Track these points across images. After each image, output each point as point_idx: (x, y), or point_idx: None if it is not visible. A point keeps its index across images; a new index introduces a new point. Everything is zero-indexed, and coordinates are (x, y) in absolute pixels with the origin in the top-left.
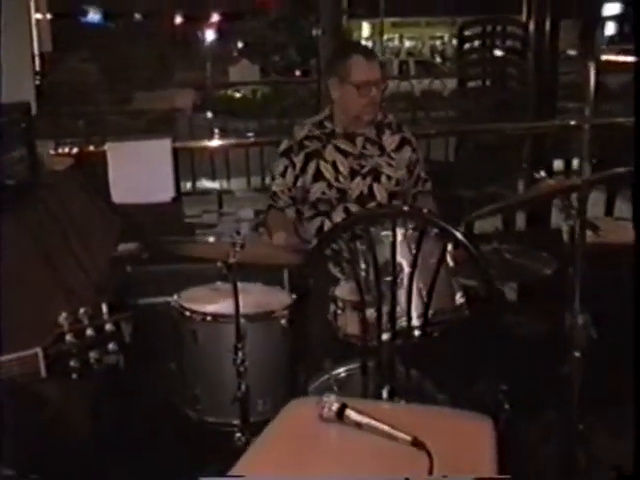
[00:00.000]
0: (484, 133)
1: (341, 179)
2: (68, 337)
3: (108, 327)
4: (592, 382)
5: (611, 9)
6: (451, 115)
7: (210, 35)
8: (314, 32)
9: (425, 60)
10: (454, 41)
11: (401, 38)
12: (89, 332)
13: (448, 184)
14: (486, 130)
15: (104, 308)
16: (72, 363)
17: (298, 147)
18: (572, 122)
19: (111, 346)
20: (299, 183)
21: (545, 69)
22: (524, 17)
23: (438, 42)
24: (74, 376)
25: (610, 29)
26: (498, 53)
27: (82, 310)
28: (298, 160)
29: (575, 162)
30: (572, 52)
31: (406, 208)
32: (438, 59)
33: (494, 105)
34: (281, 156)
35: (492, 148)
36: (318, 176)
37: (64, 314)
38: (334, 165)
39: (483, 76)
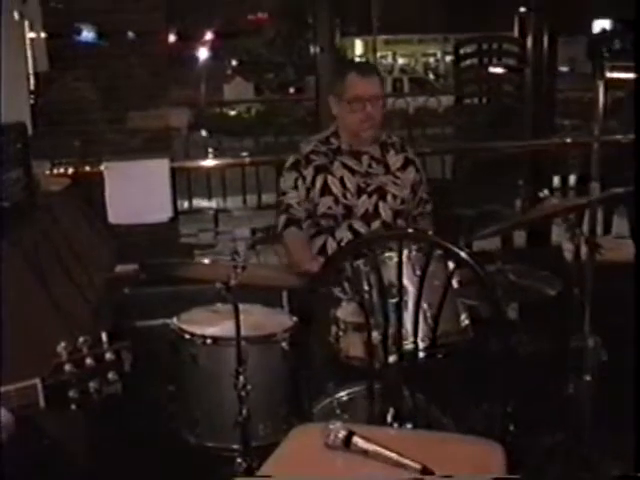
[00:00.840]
0: (482, 151)
1: (348, 196)
2: (67, 367)
3: (108, 356)
4: (601, 405)
5: (599, 25)
6: (447, 132)
7: (204, 53)
8: (312, 50)
9: (419, 77)
10: (447, 58)
11: (394, 55)
12: (89, 361)
13: (445, 202)
14: (484, 148)
15: (104, 337)
16: (71, 394)
17: (306, 161)
18: (577, 140)
19: (111, 376)
20: (310, 196)
21: (543, 86)
22: (516, 33)
23: (431, 59)
24: (73, 407)
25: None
26: (494, 70)
27: (81, 339)
28: (307, 173)
29: (572, 179)
30: (564, 69)
31: (411, 230)
32: (431, 76)
33: (491, 122)
34: (289, 170)
35: (489, 165)
36: (326, 190)
37: (63, 343)
38: (342, 181)
39: (479, 93)
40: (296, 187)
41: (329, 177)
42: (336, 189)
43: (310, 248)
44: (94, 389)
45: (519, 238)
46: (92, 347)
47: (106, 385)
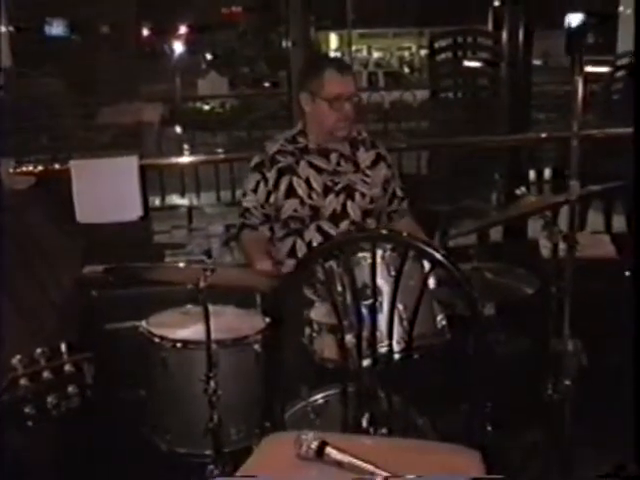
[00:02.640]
0: (457, 146)
1: (314, 196)
2: (22, 381)
3: (67, 368)
4: (582, 409)
5: (572, 19)
6: (423, 126)
7: (178, 47)
8: (284, 44)
9: (394, 71)
10: (422, 52)
11: (369, 49)
12: (46, 375)
13: (421, 198)
14: (460, 143)
15: (63, 347)
16: (27, 410)
17: (270, 162)
18: (553, 134)
19: (71, 389)
20: (272, 199)
21: (518, 80)
22: (490, 27)
23: (406, 53)
24: (30, 424)
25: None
26: (469, 64)
27: (39, 350)
28: (270, 175)
29: (547, 173)
30: (538, 62)
31: (385, 231)
32: (406, 70)
33: (466, 116)
34: (252, 171)
35: (465, 160)
36: (290, 192)
37: (18, 356)
38: (307, 181)
39: (455, 87)
40: (256, 190)
41: (294, 178)
42: (301, 190)
43: (262, 248)
44: (52, 404)
45: (495, 233)
46: (50, 359)
47: (65, 400)
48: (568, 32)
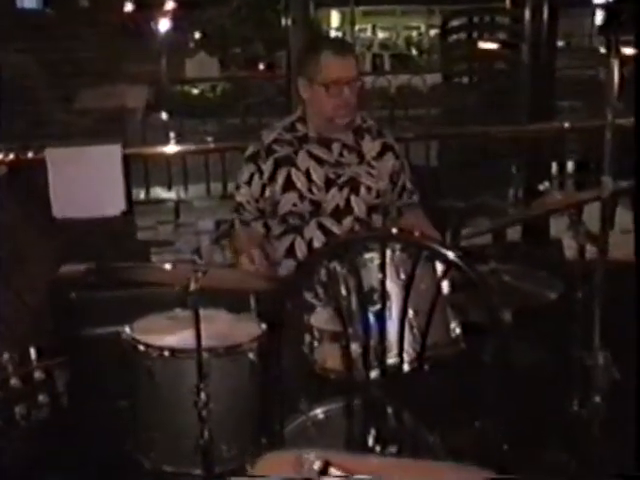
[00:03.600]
0: (471, 136)
1: (315, 190)
2: None
3: (37, 375)
4: (611, 428)
5: None
6: (433, 114)
7: (164, 24)
8: (283, 22)
9: (401, 53)
10: (432, 32)
11: (374, 29)
12: (14, 382)
13: (430, 193)
14: (474, 133)
15: (32, 353)
16: None
17: (266, 152)
18: (578, 124)
19: (41, 398)
20: (267, 193)
21: (542, 63)
22: (508, 4)
23: (414, 33)
24: None
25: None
26: (486, 46)
27: (6, 356)
28: (266, 167)
29: (570, 166)
30: (560, 43)
31: (395, 230)
32: (414, 51)
33: (482, 103)
34: (247, 162)
35: (479, 152)
36: (289, 186)
37: None
38: (307, 174)
39: (469, 72)
40: (250, 183)
41: (293, 170)
42: (300, 183)
43: (255, 246)
44: (21, 415)
45: (513, 232)
46: (19, 365)
47: (35, 409)
48: (605, 9)
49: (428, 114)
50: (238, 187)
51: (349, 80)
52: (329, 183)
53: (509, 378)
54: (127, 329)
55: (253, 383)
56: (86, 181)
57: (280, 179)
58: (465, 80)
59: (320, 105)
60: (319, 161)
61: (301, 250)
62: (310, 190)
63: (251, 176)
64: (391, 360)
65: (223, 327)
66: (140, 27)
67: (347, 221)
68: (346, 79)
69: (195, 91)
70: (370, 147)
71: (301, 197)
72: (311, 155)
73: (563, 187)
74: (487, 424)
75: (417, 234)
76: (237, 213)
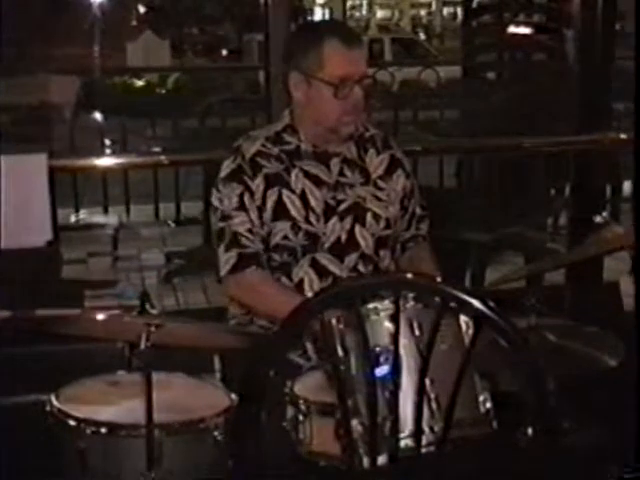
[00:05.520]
0: (499, 149)
1: (313, 219)
2: None
3: None
4: None
5: None
6: (449, 118)
7: None
8: None
9: (406, 38)
10: (445, 10)
11: (370, 6)
12: None
13: (447, 223)
14: (503, 145)
15: None
16: None
17: (251, 167)
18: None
19: None
20: (264, 217)
21: (594, 54)
22: None
23: (422, 12)
24: None
25: None
26: (519, 31)
27: None
28: (256, 185)
29: (627, 187)
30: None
31: (410, 275)
32: (423, 36)
33: (514, 106)
34: (229, 181)
35: (510, 168)
36: (280, 212)
37: None
38: (303, 197)
39: (498, 64)
40: (243, 206)
41: (285, 192)
42: (295, 210)
43: (290, 289)
44: None
45: (555, 274)
46: None
47: None
48: None
49: (442, 119)
50: (226, 217)
51: (361, 77)
52: (328, 210)
53: (552, 466)
54: (53, 398)
55: (218, 469)
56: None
57: (270, 202)
58: (491, 75)
59: (322, 109)
60: (316, 182)
61: None
62: (307, 219)
63: (241, 198)
64: (404, 442)
65: (180, 396)
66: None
67: (350, 259)
68: (358, 76)
69: (139, 84)
70: (376, 163)
71: (295, 227)
72: (307, 174)
73: (618, 215)
74: None
75: (439, 279)
76: (238, 247)
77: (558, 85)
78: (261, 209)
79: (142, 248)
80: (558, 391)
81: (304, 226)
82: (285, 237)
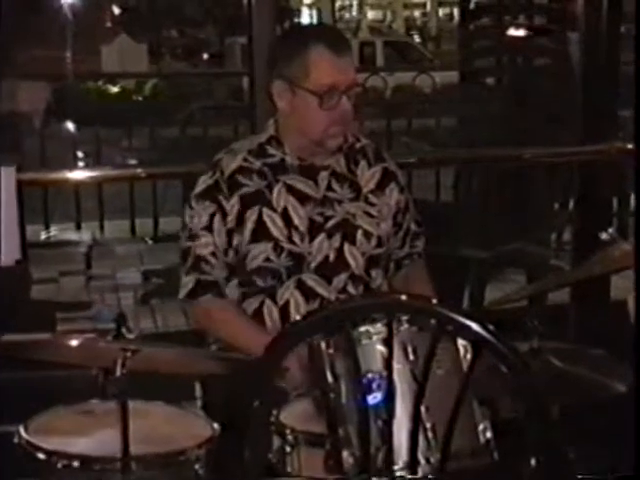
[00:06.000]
0: (499, 160)
1: (296, 238)
2: None
3: None
4: None
5: None
6: (446, 126)
7: None
8: None
9: (399, 40)
10: (441, 11)
11: (361, 7)
12: None
13: (443, 239)
14: (502, 156)
15: None
16: None
17: (228, 185)
18: None
19: None
20: (235, 241)
21: (600, 58)
22: None
23: (417, 13)
24: None
25: None
26: (519, 34)
27: None
28: (230, 205)
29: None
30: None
31: (404, 297)
32: (417, 39)
33: (515, 114)
34: (202, 199)
35: (511, 180)
36: (261, 232)
37: None
38: (285, 215)
39: (497, 69)
40: (211, 228)
41: (265, 211)
42: (276, 230)
43: (250, 318)
44: None
45: (559, 292)
46: None
47: None
48: None
49: (438, 128)
50: (193, 236)
51: (349, 86)
52: (314, 228)
53: None
54: (21, 429)
55: None
56: None
57: (249, 224)
58: (490, 80)
59: (307, 120)
60: (301, 198)
61: (271, 318)
62: (289, 238)
63: (211, 218)
64: (398, 474)
65: (159, 426)
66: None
67: (339, 279)
68: (345, 85)
69: (115, 90)
70: (368, 176)
71: (277, 248)
72: (290, 190)
73: (625, 230)
74: None
75: (434, 301)
76: (198, 272)
77: (561, 91)
78: (233, 232)
79: (117, 267)
80: (562, 419)
81: (287, 246)
82: (267, 259)
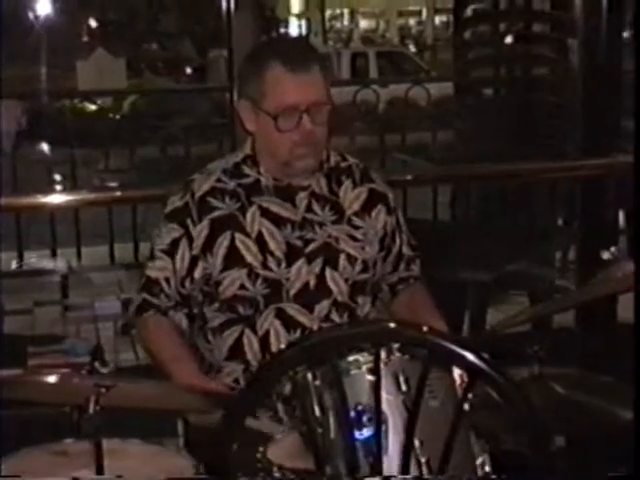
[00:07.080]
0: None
1: (272, 264)
2: None
3: None
4: None
5: None
6: (442, 140)
7: (45, 8)
8: (224, 5)
9: (393, 51)
10: (437, 19)
11: (353, 15)
12: None
13: (441, 260)
14: (502, 172)
15: None
16: None
17: (198, 208)
18: None
19: None
20: (197, 273)
21: (601, 68)
22: None
23: (412, 21)
24: None
25: None
26: (518, 43)
27: None
28: (198, 231)
29: None
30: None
31: (393, 325)
32: (412, 48)
33: (514, 127)
34: (169, 220)
35: (511, 198)
36: (233, 260)
37: None
38: (260, 240)
39: (495, 80)
40: (173, 253)
41: (238, 236)
42: (251, 256)
43: (182, 345)
44: None
45: (563, 314)
46: None
47: None
48: None
49: (434, 143)
50: (153, 256)
51: (309, 106)
52: (293, 253)
53: None
54: None
55: None
56: None
57: (221, 250)
58: (489, 92)
59: (271, 142)
60: (277, 221)
61: (252, 349)
62: (264, 264)
63: (174, 243)
64: None
65: (136, 466)
66: (12, 13)
67: (321, 307)
68: (306, 104)
69: (91, 108)
70: (351, 197)
71: (252, 275)
72: (265, 212)
73: (633, 247)
74: None
75: (425, 329)
76: (147, 293)
77: (562, 102)
78: (198, 259)
79: (96, 296)
80: (566, 450)
81: (262, 272)
82: (242, 286)
